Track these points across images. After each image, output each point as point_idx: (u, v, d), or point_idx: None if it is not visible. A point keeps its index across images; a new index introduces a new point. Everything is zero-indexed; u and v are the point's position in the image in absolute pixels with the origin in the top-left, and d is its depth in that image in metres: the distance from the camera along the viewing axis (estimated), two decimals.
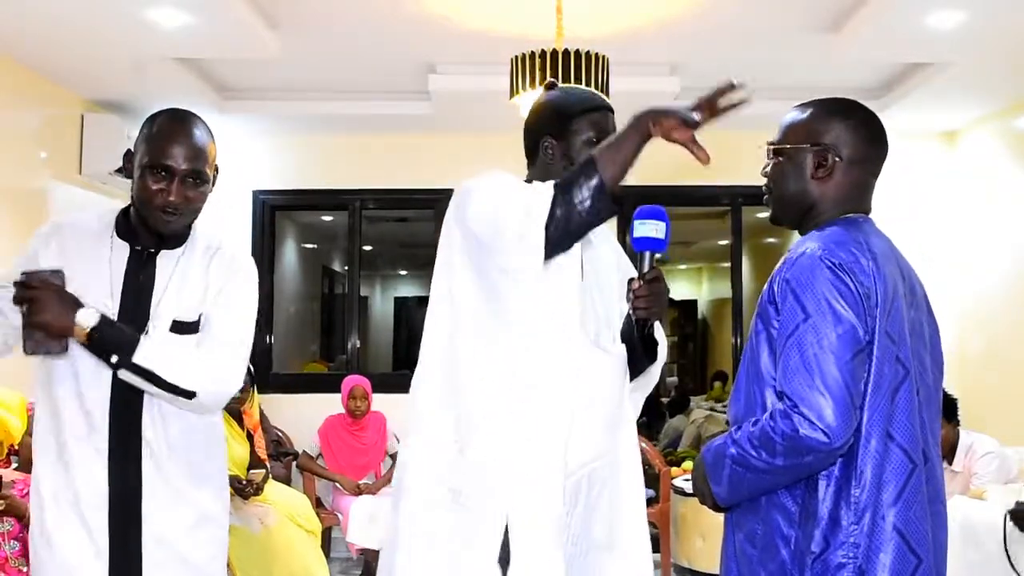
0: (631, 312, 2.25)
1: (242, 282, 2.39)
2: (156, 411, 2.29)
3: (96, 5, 4.28)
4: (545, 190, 2.04)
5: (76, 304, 2.14)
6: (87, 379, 2.25)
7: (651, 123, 2.04)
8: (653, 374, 2.48)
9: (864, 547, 1.81)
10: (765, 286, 1.95)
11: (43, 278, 2.13)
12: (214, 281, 2.36)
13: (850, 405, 1.77)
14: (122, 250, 2.32)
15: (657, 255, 2.22)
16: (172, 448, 2.32)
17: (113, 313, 2.25)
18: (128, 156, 2.33)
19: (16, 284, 2.13)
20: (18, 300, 2.12)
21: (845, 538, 1.82)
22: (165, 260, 2.34)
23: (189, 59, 5.21)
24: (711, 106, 2.05)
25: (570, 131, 2.32)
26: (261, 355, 6.73)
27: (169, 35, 4.60)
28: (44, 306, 2.10)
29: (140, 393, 2.25)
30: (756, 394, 1.93)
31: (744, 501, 1.96)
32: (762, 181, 2.15)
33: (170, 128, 2.27)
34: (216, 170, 2.35)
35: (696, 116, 2.05)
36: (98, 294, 2.25)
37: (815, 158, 2.02)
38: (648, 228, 2.19)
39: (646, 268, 2.20)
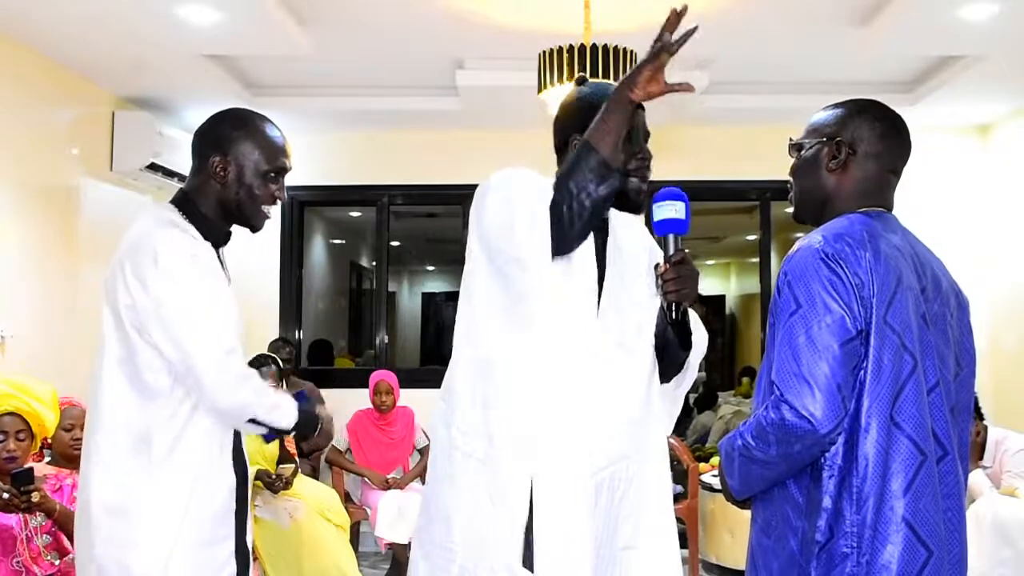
0: (662, 298, 2.22)
1: None
2: None
3: (128, 2, 4.31)
4: (551, 181, 2.12)
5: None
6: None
7: (628, 90, 2.08)
8: (692, 367, 2.43)
9: (868, 537, 1.82)
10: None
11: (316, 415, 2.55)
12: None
13: (836, 393, 1.79)
14: (211, 250, 2.39)
15: (681, 236, 2.20)
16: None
17: (236, 312, 2.38)
18: (218, 162, 2.37)
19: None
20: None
21: (848, 528, 1.83)
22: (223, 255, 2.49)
23: (219, 56, 5.24)
24: (665, 44, 2.10)
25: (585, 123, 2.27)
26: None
27: (200, 32, 4.63)
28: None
29: None
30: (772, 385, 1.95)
31: (756, 493, 1.99)
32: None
33: (276, 134, 2.46)
34: None
35: (657, 56, 2.10)
36: (224, 290, 2.37)
37: (829, 151, 2.05)
38: (667, 209, 2.19)
39: (671, 251, 2.19)
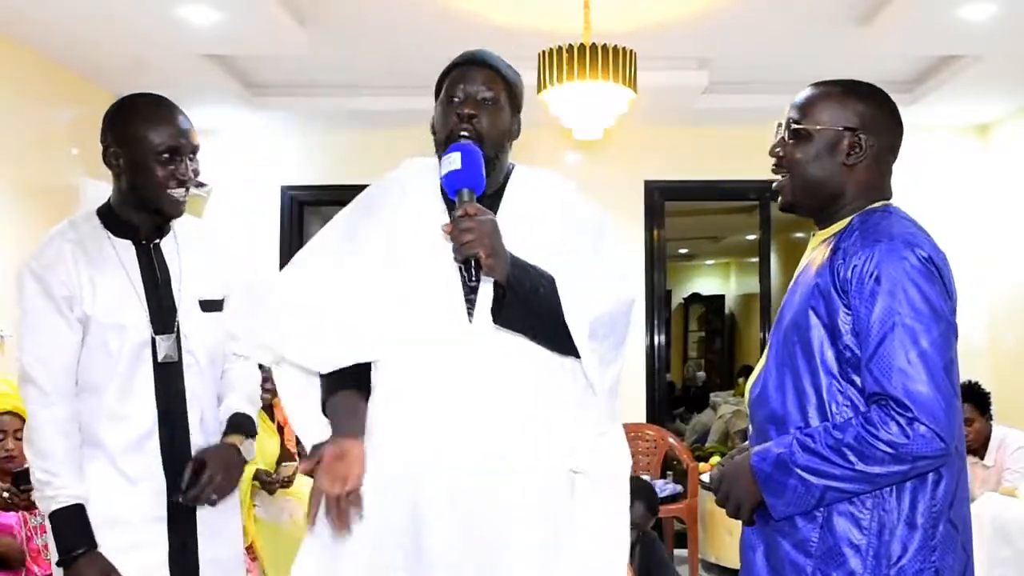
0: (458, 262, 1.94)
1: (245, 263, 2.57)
2: (199, 416, 2.39)
3: (128, 2, 4.31)
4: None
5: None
6: (133, 396, 2.31)
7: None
8: (584, 343, 1.99)
9: (940, 550, 1.77)
10: (818, 273, 1.87)
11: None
12: (229, 261, 2.51)
13: (958, 407, 1.73)
14: (126, 248, 2.36)
15: (471, 190, 1.95)
16: (210, 442, 2.40)
17: (142, 307, 2.31)
18: (112, 152, 2.34)
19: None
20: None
21: (923, 543, 1.76)
22: (166, 248, 2.41)
23: (219, 56, 5.24)
24: None
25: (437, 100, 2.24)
26: None
27: (199, 32, 4.63)
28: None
29: (184, 407, 2.35)
30: (807, 389, 1.85)
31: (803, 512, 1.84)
32: None
33: (164, 112, 2.32)
34: None
35: None
36: (122, 292, 2.31)
37: (850, 143, 1.92)
38: (444, 165, 1.98)
39: (458, 208, 1.93)
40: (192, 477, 2.27)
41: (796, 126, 1.97)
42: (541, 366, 2.04)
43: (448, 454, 1.99)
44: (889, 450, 1.69)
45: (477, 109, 2.11)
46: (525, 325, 2.00)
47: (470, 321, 2.04)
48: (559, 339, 1.99)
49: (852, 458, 1.72)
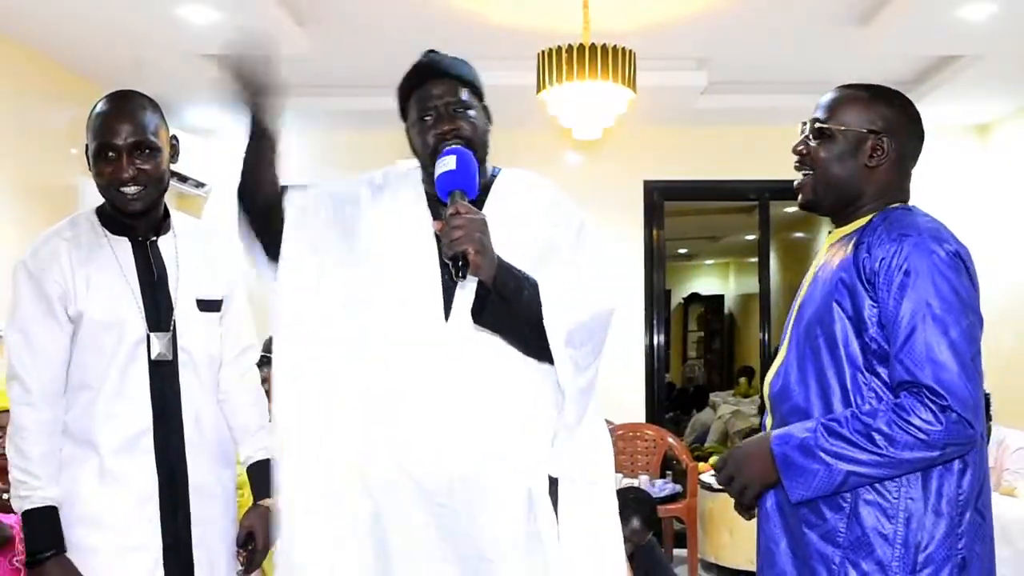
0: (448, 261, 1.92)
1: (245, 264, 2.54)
2: (194, 416, 2.37)
3: (128, 2, 4.31)
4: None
5: None
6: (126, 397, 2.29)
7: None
8: (561, 352, 1.96)
9: (968, 538, 1.81)
10: (841, 267, 1.90)
11: None
12: (229, 261, 2.49)
13: (982, 396, 1.78)
14: (122, 244, 2.36)
15: (464, 192, 1.97)
16: (205, 441, 2.39)
17: (137, 304, 2.30)
18: (85, 149, 2.36)
19: None
20: None
21: (950, 530, 1.80)
22: (165, 246, 2.41)
23: (219, 56, 5.24)
24: None
25: (406, 114, 2.25)
26: None
27: (199, 32, 4.63)
28: None
29: (179, 407, 2.33)
30: (831, 381, 1.88)
31: (821, 496, 1.85)
32: (789, 175, 2.09)
33: (105, 109, 2.32)
34: (174, 140, 2.47)
35: None
36: (116, 289, 2.30)
37: (873, 146, 1.96)
38: (439, 166, 2.01)
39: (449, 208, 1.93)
40: (248, 555, 2.44)
41: (821, 125, 2.00)
42: (516, 367, 2.04)
43: (420, 453, 2.01)
44: (922, 436, 1.73)
45: (453, 121, 2.13)
46: (504, 327, 2.00)
47: (446, 321, 2.06)
48: (536, 344, 1.99)
49: (882, 443, 1.75)
